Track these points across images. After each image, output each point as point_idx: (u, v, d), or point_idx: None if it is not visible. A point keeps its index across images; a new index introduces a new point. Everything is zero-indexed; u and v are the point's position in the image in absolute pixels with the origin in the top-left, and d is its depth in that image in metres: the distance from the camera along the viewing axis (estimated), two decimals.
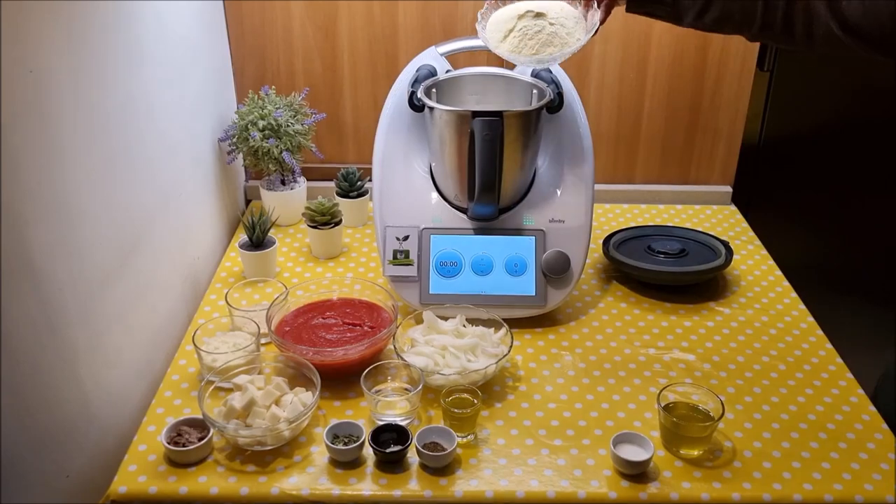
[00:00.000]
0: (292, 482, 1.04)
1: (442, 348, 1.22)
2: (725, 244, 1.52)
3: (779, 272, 1.54)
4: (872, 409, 1.18)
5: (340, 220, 1.57)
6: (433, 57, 1.43)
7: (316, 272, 1.53)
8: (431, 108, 1.31)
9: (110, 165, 1.12)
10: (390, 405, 1.14)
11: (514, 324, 1.31)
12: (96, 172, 1.07)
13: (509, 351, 1.21)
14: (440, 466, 1.06)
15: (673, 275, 1.45)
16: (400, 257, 1.35)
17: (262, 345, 1.28)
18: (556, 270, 1.34)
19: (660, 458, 1.08)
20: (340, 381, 1.21)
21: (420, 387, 1.13)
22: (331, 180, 1.69)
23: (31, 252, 0.93)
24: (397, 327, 1.25)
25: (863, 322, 1.90)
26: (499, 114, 1.25)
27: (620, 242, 1.56)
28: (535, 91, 1.37)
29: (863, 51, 1.05)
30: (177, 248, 1.38)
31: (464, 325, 1.27)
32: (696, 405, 1.12)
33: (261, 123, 1.56)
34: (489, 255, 1.35)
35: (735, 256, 1.53)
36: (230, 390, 1.14)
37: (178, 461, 1.07)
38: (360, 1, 1.63)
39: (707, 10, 1.11)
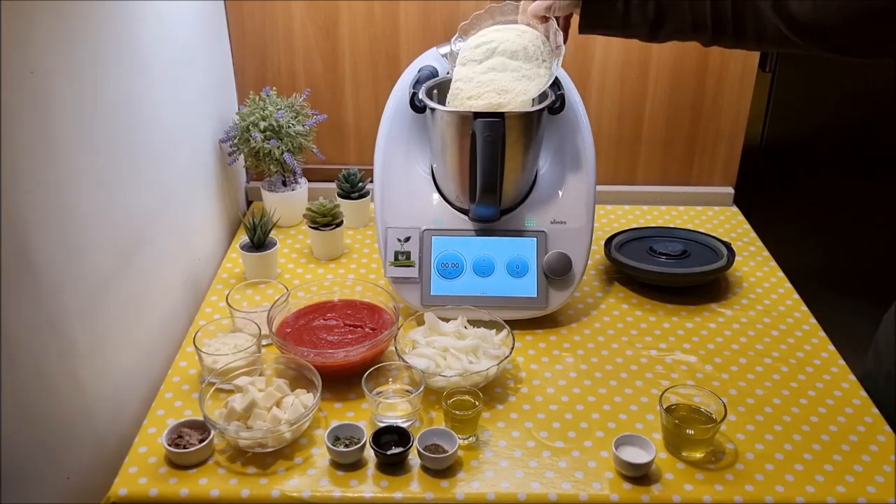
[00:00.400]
0: (293, 484, 1.04)
1: (443, 350, 1.21)
2: (727, 245, 1.52)
3: (781, 274, 1.54)
4: (875, 411, 1.18)
5: (341, 222, 1.56)
6: (434, 58, 1.43)
7: (317, 273, 1.53)
8: (433, 109, 1.30)
9: (111, 166, 1.12)
10: (391, 407, 1.14)
11: (516, 325, 1.31)
12: (97, 173, 1.07)
13: (511, 353, 1.21)
14: (441, 468, 1.06)
15: (675, 276, 1.45)
16: (401, 258, 1.35)
17: (263, 346, 1.27)
18: (557, 272, 1.33)
19: (662, 461, 1.08)
20: (341, 382, 1.21)
21: (421, 388, 1.13)
22: (332, 181, 1.69)
23: (31, 253, 0.92)
24: (398, 329, 1.24)
25: (865, 324, 1.90)
26: (500, 115, 1.25)
27: (622, 244, 1.56)
28: None
29: (814, 49, 1.05)
30: (177, 249, 1.37)
31: (465, 327, 1.27)
32: (698, 407, 1.12)
33: (262, 124, 1.56)
34: (490, 257, 1.35)
35: (737, 258, 1.52)
36: (231, 392, 1.14)
37: (179, 463, 1.07)
38: (361, 1, 1.63)
39: (661, 25, 1.12)
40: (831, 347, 1.33)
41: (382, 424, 1.11)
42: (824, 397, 1.21)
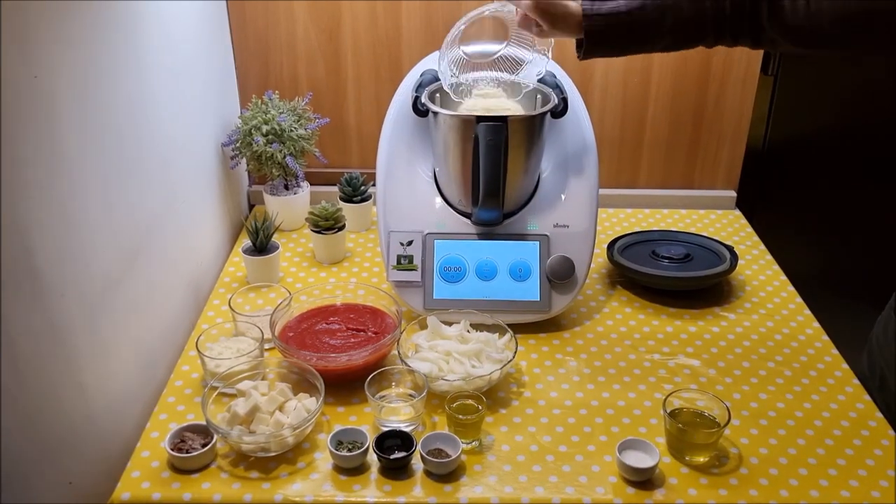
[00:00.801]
0: (296, 489, 1.04)
1: (446, 354, 1.21)
2: (730, 249, 1.51)
3: (784, 277, 1.54)
4: (879, 415, 1.18)
5: (344, 225, 1.56)
6: (437, 62, 1.43)
7: (319, 277, 1.53)
8: (435, 113, 1.30)
9: (113, 171, 1.12)
10: (394, 411, 1.14)
11: (519, 329, 1.31)
12: (99, 178, 1.07)
13: (514, 356, 1.21)
14: (445, 473, 1.06)
15: (677, 280, 1.44)
16: (404, 262, 1.35)
17: (266, 350, 1.27)
18: (560, 275, 1.33)
19: (665, 465, 1.08)
20: (344, 386, 1.20)
21: (424, 393, 1.12)
22: (334, 185, 1.69)
23: (33, 258, 0.92)
24: (401, 333, 1.24)
25: (868, 327, 1.89)
26: (503, 119, 1.25)
27: (625, 247, 1.56)
28: (539, 96, 1.37)
29: (800, 50, 1.07)
30: (180, 253, 1.37)
31: (468, 331, 1.27)
32: (701, 411, 1.11)
33: (264, 128, 1.56)
34: (493, 261, 1.35)
35: (740, 261, 1.52)
36: (234, 396, 1.14)
37: (182, 467, 1.06)
38: (363, 5, 1.63)
39: (660, 40, 1.11)
40: (835, 351, 1.32)
41: (385, 429, 1.11)
42: (828, 401, 1.21)
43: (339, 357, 1.19)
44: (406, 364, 1.18)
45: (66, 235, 0.99)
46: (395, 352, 1.21)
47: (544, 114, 1.30)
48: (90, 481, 1.07)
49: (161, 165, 1.29)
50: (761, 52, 1.66)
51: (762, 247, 1.65)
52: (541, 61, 1.31)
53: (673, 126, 1.74)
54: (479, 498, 1.03)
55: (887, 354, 1.24)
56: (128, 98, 1.16)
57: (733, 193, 1.81)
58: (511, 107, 1.32)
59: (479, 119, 1.25)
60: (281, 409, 1.11)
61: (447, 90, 1.33)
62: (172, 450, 1.06)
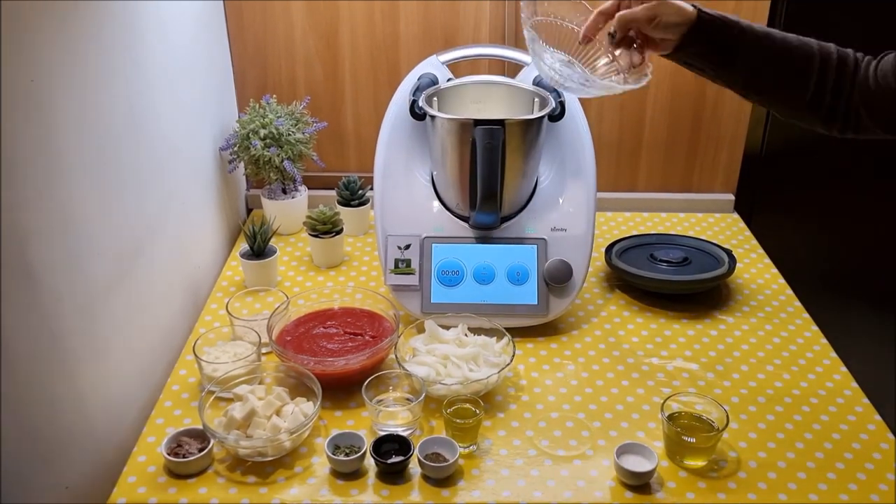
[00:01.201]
0: (293, 493, 1.03)
1: (444, 358, 1.21)
2: (728, 252, 1.51)
3: (782, 280, 1.53)
4: (878, 417, 1.18)
5: (341, 229, 1.56)
6: (434, 66, 1.43)
7: (317, 281, 1.52)
8: (433, 117, 1.30)
9: (111, 175, 1.11)
10: (392, 415, 1.13)
11: (517, 333, 1.31)
12: (97, 182, 1.07)
13: (511, 360, 1.20)
14: (442, 477, 1.05)
15: (676, 283, 1.44)
16: (401, 266, 1.35)
17: (263, 354, 1.27)
18: (558, 279, 1.33)
19: (664, 469, 1.07)
20: (342, 390, 1.20)
21: (422, 397, 1.12)
22: (332, 189, 1.69)
23: (30, 262, 0.92)
24: (399, 337, 1.24)
25: (867, 331, 1.89)
26: (501, 122, 1.25)
27: (623, 251, 1.55)
28: (536, 99, 1.37)
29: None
30: (177, 257, 1.37)
31: (465, 335, 1.27)
32: (699, 415, 1.11)
33: (262, 132, 1.56)
34: (491, 264, 1.35)
35: (738, 265, 1.52)
36: (231, 400, 1.13)
37: (178, 472, 1.06)
38: (361, 9, 1.63)
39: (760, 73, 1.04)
40: (833, 355, 1.32)
41: (383, 433, 1.10)
42: (826, 405, 1.20)
43: (337, 361, 1.19)
44: (403, 368, 1.18)
45: (64, 239, 0.99)
46: (393, 356, 1.21)
47: (542, 117, 1.30)
48: (86, 486, 1.06)
49: (158, 169, 1.29)
50: None
51: (760, 250, 1.65)
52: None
53: (671, 129, 1.74)
54: (476, 502, 1.02)
55: None
56: (125, 102, 1.16)
57: (731, 197, 1.81)
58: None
59: (477, 122, 1.25)
60: (278, 413, 1.10)
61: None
62: (169, 454, 1.06)
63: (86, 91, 1.04)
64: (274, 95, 1.65)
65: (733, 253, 1.52)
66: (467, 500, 1.03)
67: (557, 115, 1.33)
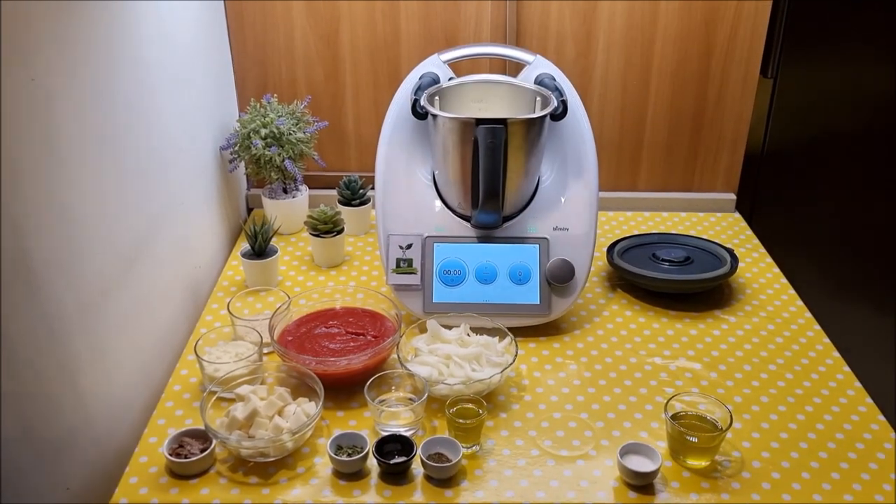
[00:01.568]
0: (295, 494, 1.03)
1: (446, 357, 1.20)
2: (730, 252, 1.51)
3: (784, 280, 1.53)
4: (881, 418, 1.17)
5: (342, 229, 1.56)
6: (436, 65, 1.43)
7: (318, 281, 1.52)
8: (435, 116, 1.30)
9: (112, 174, 1.11)
10: (394, 415, 1.13)
11: (519, 332, 1.30)
12: (97, 181, 1.07)
13: (514, 360, 1.20)
14: (445, 478, 1.05)
15: (678, 283, 1.44)
16: (403, 266, 1.34)
17: (265, 354, 1.27)
18: (560, 279, 1.33)
19: (667, 469, 1.07)
20: (344, 391, 1.20)
21: (424, 397, 1.12)
22: (333, 188, 1.68)
23: (31, 262, 0.92)
24: (401, 336, 1.23)
25: (869, 330, 1.89)
26: (503, 121, 1.24)
27: (625, 250, 1.55)
28: (538, 98, 1.37)
29: None
30: (178, 256, 1.37)
31: (468, 334, 1.26)
32: (703, 415, 1.11)
33: (263, 132, 1.56)
34: (493, 264, 1.34)
35: (740, 264, 1.52)
36: (232, 401, 1.13)
37: (180, 473, 1.06)
38: (362, 8, 1.62)
39: None
40: (836, 354, 1.32)
41: (385, 433, 1.10)
42: (830, 404, 1.20)
43: (339, 361, 1.18)
44: (406, 368, 1.18)
45: (65, 240, 0.99)
46: (395, 356, 1.20)
47: (544, 117, 1.30)
48: (88, 486, 1.06)
49: (159, 169, 1.28)
50: (760, 53, 1.66)
51: (762, 249, 1.64)
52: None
53: (672, 129, 1.74)
54: (479, 503, 1.02)
55: None
56: (126, 101, 1.15)
57: (733, 196, 1.81)
58: None
59: (479, 122, 1.24)
60: (280, 413, 1.10)
61: None
62: (171, 455, 1.05)
63: (86, 91, 1.03)
64: (275, 95, 1.65)
65: (735, 252, 1.52)
66: (470, 500, 1.02)
67: (559, 114, 1.33)
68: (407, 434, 1.10)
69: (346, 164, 1.79)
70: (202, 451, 1.06)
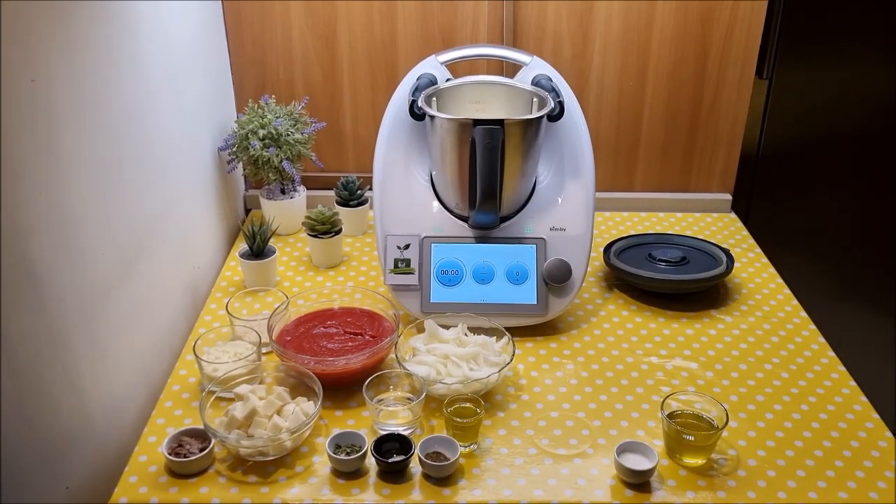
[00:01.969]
0: (294, 493, 1.04)
1: (444, 357, 1.21)
2: (726, 252, 1.52)
3: (779, 280, 1.54)
4: (876, 416, 1.18)
5: (340, 229, 1.56)
6: (433, 66, 1.43)
7: (316, 281, 1.52)
8: (432, 117, 1.31)
9: (111, 175, 1.11)
10: (392, 415, 1.13)
11: (516, 332, 1.31)
12: (97, 182, 1.07)
13: (511, 360, 1.21)
14: (443, 476, 1.06)
15: (674, 283, 1.45)
16: (401, 266, 1.35)
17: (263, 354, 1.27)
18: (557, 279, 1.33)
19: (664, 467, 1.08)
20: (342, 390, 1.20)
21: (422, 396, 1.12)
22: (330, 189, 1.69)
23: (31, 262, 0.92)
24: (399, 336, 1.24)
25: (864, 330, 1.90)
26: (500, 122, 1.25)
27: (621, 251, 1.56)
28: (535, 99, 1.37)
29: None
30: (177, 257, 1.37)
31: (465, 334, 1.27)
32: (699, 414, 1.12)
33: (261, 132, 1.56)
34: (490, 264, 1.35)
35: (736, 264, 1.53)
36: (231, 400, 1.13)
37: (179, 472, 1.06)
38: (359, 9, 1.63)
39: None
40: (831, 353, 1.33)
41: (383, 432, 1.11)
42: (825, 403, 1.21)
43: (337, 361, 1.19)
44: (404, 367, 1.18)
45: (65, 240, 0.99)
46: (393, 355, 1.21)
47: (541, 117, 1.30)
48: (87, 486, 1.06)
49: (158, 170, 1.29)
50: (755, 54, 1.67)
51: (758, 249, 1.65)
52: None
53: (669, 129, 1.75)
54: (477, 501, 1.03)
55: None
56: (125, 102, 1.16)
57: (729, 196, 1.82)
58: None
59: (476, 122, 1.25)
60: (279, 412, 1.11)
61: None
62: (170, 454, 1.06)
63: (85, 92, 1.04)
64: (272, 96, 1.65)
65: (731, 252, 1.52)
66: (468, 498, 1.03)
67: (556, 115, 1.33)
68: (405, 433, 1.10)
69: (344, 165, 1.79)
70: (201, 450, 1.07)
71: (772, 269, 1.58)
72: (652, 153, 1.77)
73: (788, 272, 1.56)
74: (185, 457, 1.06)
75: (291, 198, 1.66)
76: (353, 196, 1.65)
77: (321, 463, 1.08)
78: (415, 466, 1.07)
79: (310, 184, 1.74)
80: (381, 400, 1.17)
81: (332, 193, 1.68)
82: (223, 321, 1.36)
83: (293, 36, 1.66)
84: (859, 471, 1.08)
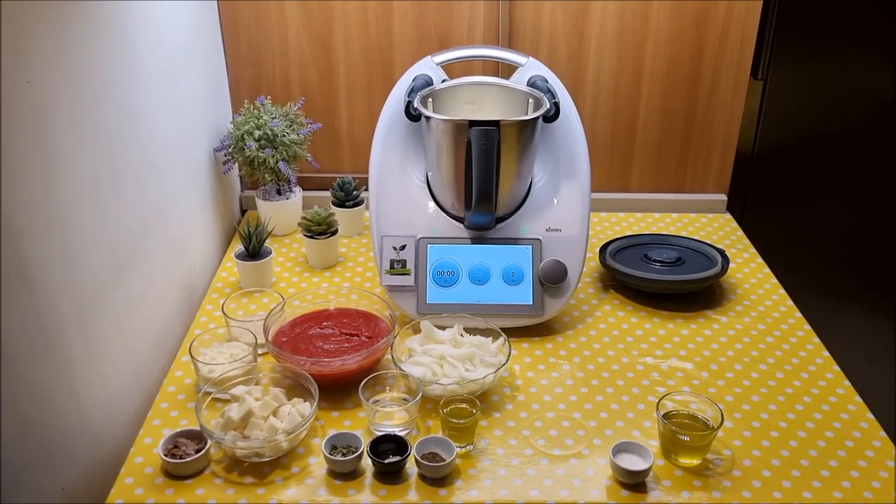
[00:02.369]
0: (290, 494, 1.04)
1: (440, 358, 1.21)
2: (721, 252, 1.52)
3: (774, 280, 1.54)
4: (871, 416, 1.19)
5: (336, 230, 1.56)
6: (429, 67, 1.43)
7: (312, 282, 1.52)
8: (428, 118, 1.31)
9: (106, 176, 1.11)
10: (388, 415, 1.14)
11: (512, 333, 1.31)
12: (92, 183, 1.07)
13: (507, 360, 1.21)
14: (439, 477, 1.06)
15: (669, 283, 1.45)
16: (397, 267, 1.35)
17: (259, 355, 1.27)
18: (553, 279, 1.34)
19: (659, 468, 1.08)
20: (338, 391, 1.20)
21: (418, 397, 1.12)
22: (326, 190, 1.69)
23: (26, 263, 0.92)
24: (395, 337, 1.24)
25: (858, 330, 1.91)
26: (496, 123, 1.25)
27: (616, 251, 1.56)
28: (531, 100, 1.38)
29: None
30: (173, 258, 1.37)
31: (461, 335, 1.27)
32: (694, 414, 1.12)
33: (256, 133, 1.56)
34: (486, 265, 1.35)
35: (731, 265, 1.53)
36: (227, 401, 1.13)
37: (176, 473, 1.06)
38: (355, 10, 1.63)
39: None
40: (826, 353, 1.33)
41: (380, 433, 1.11)
42: (820, 403, 1.21)
43: (333, 361, 1.19)
44: (400, 368, 1.18)
45: (59, 241, 0.99)
46: (389, 356, 1.21)
47: (536, 118, 1.31)
48: (83, 487, 1.06)
49: (154, 171, 1.29)
50: (750, 55, 1.68)
51: (753, 250, 1.66)
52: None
53: (664, 130, 1.75)
54: (473, 502, 1.03)
55: None
56: (120, 103, 1.16)
57: (724, 197, 1.82)
58: None
59: (472, 123, 1.25)
60: (275, 413, 1.11)
61: None
62: (166, 455, 1.06)
63: (81, 92, 1.04)
64: (268, 96, 1.65)
65: (726, 253, 1.53)
66: (464, 499, 1.03)
67: (552, 116, 1.34)
68: (401, 434, 1.10)
69: (340, 166, 1.79)
70: (197, 451, 1.07)
71: (767, 270, 1.58)
72: (647, 154, 1.78)
73: (783, 273, 1.57)
74: (181, 458, 1.05)
75: (287, 199, 1.66)
76: (349, 197, 1.65)
77: (317, 464, 1.09)
78: (411, 467, 1.07)
79: (306, 185, 1.74)
80: (378, 401, 1.17)
81: (328, 194, 1.68)
82: (219, 322, 1.36)
83: (289, 37, 1.66)
84: (854, 471, 1.08)
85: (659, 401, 1.12)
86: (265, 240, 1.47)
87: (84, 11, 1.05)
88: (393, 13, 1.63)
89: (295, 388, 1.16)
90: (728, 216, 1.81)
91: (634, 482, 1.05)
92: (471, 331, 1.28)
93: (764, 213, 1.87)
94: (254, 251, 1.45)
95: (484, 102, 1.42)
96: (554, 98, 1.35)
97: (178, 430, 1.10)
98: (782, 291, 1.51)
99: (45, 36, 0.95)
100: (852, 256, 1.93)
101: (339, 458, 1.06)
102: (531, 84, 1.39)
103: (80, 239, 1.04)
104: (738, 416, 1.18)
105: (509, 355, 1.22)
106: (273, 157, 1.57)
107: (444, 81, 1.42)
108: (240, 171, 1.66)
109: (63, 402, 1.02)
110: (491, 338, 1.26)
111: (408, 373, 1.17)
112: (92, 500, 1.07)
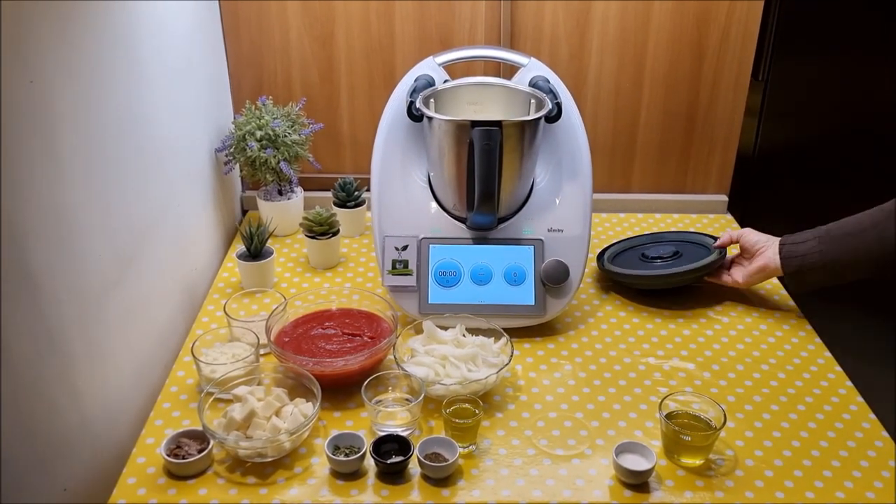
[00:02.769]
0: (293, 494, 1.04)
1: (442, 358, 1.21)
2: (716, 239, 1.50)
3: (776, 280, 1.54)
4: (873, 416, 1.19)
5: (338, 231, 1.56)
6: (431, 67, 1.43)
7: (314, 282, 1.52)
8: (430, 118, 1.31)
9: (109, 176, 1.11)
10: (391, 416, 1.13)
11: (514, 333, 1.31)
12: (95, 183, 1.07)
13: (510, 360, 1.21)
14: (442, 477, 1.06)
15: (669, 277, 1.44)
16: (399, 267, 1.35)
17: (262, 355, 1.27)
18: (555, 280, 1.34)
19: (662, 468, 1.08)
20: (341, 391, 1.20)
21: (421, 397, 1.12)
22: (328, 190, 1.69)
23: (29, 264, 0.92)
24: (397, 337, 1.24)
25: (860, 330, 1.90)
26: (498, 123, 1.25)
27: (614, 255, 1.55)
28: (533, 101, 1.38)
29: None
30: (174, 258, 1.37)
31: (463, 335, 1.27)
32: (697, 414, 1.12)
33: (258, 133, 1.56)
34: (488, 265, 1.35)
35: (729, 258, 1.52)
36: (230, 402, 1.13)
37: (178, 473, 1.06)
38: (356, 10, 1.63)
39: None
40: (827, 354, 1.33)
41: (382, 433, 1.11)
42: (822, 403, 1.21)
43: (336, 362, 1.19)
44: (402, 369, 1.18)
45: (62, 241, 0.99)
46: (392, 356, 1.21)
47: (539, 119, 1.31)
48: (85, 487, 1.06)
49: (156, 171, 1.29)
50: (752, 56, 1.68)
51: None
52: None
53: (665, 130, 1.75)
54: (476, 502, 1.03)
55: None
56: (123, 104, 1.16)
57: (725, 197, 1.82)
58: None
59: (474, 124, 1.25)
60: (277, 414, 1.11)
61: None
62: (168, 455, 1.06)
63: (83, 93, 1.04)
64: (270, 97, 1.65)
65: (716, 237, 1.51)
66: (467, 499, 1.03)
67: (554, 116, 1.34)
68: (404, 434, 1.10)
69: (342, 166, 1.79)
70: (200, 451, 1.07)
71: None
72: (648, 154, 1.78)
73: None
74: (183, 458, 1.05)
75: (289, 199, 1.66)
76: (350, 197, 1.65)
77: (320, 464, 1.08)
78: (414, 467, 1.07)
79: (307, 185, 1.74)
80: (380, 401, 1.17)
81: (329, 194, 1.68)
82: (221, 322, 1.36)
83: (290, 37, 1.66)
84: (856, 471, 1.08)
85: (661, 401, 1.12)
86: (267, 240, 1.47)
87: (86, 12, 1.05)
88: (394, 13, 1.63)
89: (297, 388, 1.16)
90: (729, 216, 1.81)
91: (637, 482, 1.05)
92: (473, 331, 1.28)
93: (765, 214, 1.87)
94: (255, 251, 1.45)
95: (486, 103, 1.42)
96: (556, 98, 1.35)
97: (181, 430, 1.10)
98: (783, 291, 1.51)
99: (48, 37, 0.95)
100: None
101: (341, 458, 1.06)
102: (533, 84, 1.39)
103: (83, 239, 1.04)
104: (741, 417, 1.18)
105: (511, 355, 1.22)
106: (274, 157, 1.57)
107: (445, 82, 1.43)
108: (241, 171, 1.66)
109: (65, 401, 1.02)
110: (493, 338, 1.26)
111: (410, 373, 1.17)
112: (94, 501, 1.07)
